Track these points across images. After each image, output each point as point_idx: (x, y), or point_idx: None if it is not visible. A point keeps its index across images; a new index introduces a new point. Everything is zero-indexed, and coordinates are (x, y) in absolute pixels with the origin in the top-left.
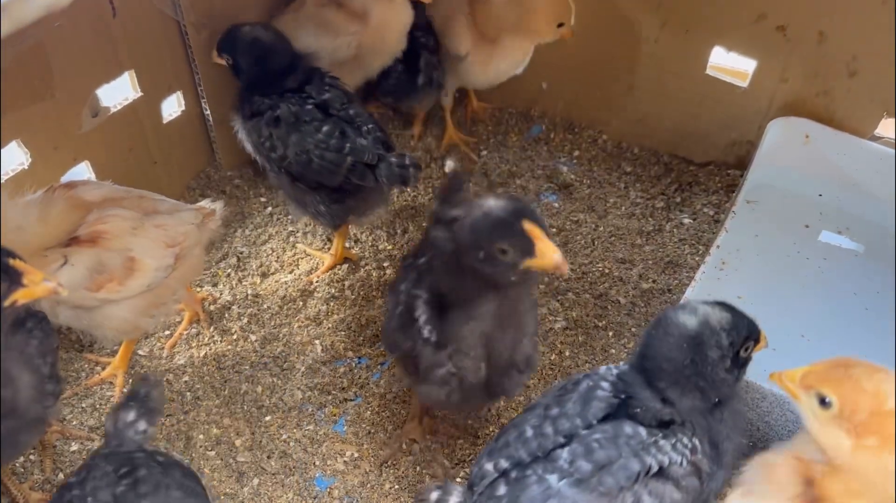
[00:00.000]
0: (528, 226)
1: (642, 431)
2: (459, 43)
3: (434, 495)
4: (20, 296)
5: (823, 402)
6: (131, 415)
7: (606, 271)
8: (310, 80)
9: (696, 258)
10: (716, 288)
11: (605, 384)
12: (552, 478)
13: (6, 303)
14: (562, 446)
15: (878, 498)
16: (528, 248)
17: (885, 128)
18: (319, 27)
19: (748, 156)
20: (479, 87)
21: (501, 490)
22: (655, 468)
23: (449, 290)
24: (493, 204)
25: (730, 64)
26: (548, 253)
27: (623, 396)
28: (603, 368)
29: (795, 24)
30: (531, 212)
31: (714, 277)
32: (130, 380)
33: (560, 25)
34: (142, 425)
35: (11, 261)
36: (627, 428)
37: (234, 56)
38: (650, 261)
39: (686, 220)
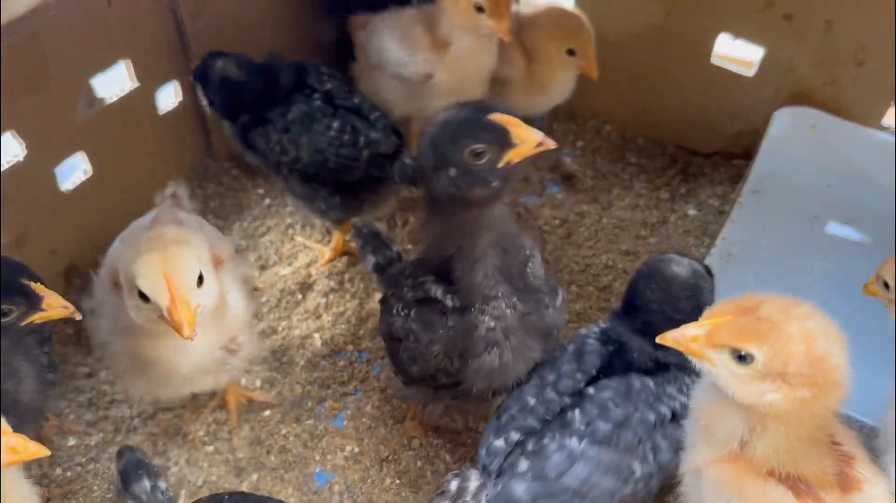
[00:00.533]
0: (496, 116)
1: (650, 383)
2: (511, 67)
3: (454, 484)
4: (37, 318)
5: (741, 358)
6: (146, 483)
7: (610, 263)
8: (305, 72)
9: (702, 250)
10: (721, 279)
11: (591, 340)
12: (572, 442)
13: (23, 323)
14: (571, 407)
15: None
16: (504, 139)
17: (893, 117)
18: (403, 38)
19: (754, 146)
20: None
21: (523, 465)
22: (669, 416)
23: (439, 249)
24: (449, 112)
25: (736, 53)
26: (527, 135)
27: (614, 346)
28: (583, 330)
29: (802, 12)
30: (494, 105)
31: (720, 269)
32: None
33: (571, 53)
34: (161, 484)
35: (33, 285)
36: (636, 381)
37: (211, 92)
38: (655, 253)
39: (691, 212)
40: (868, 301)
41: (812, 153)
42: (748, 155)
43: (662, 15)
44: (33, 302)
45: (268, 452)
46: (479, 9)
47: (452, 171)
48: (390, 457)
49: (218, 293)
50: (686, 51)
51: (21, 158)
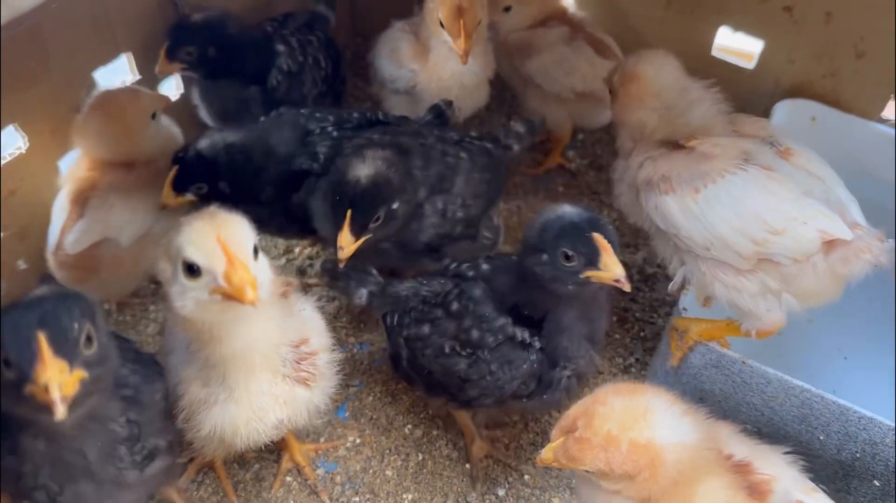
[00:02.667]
0: (598, 237)
1: None
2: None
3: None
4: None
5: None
6: None
7: None
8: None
9: None
10: None
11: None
12: None
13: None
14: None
15: None
16: (594, 259)
17: (893, 110)
18: (391, 53)
19: None
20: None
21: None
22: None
23: (529, 305)
24: (567, 209)
25: (736, 45)
26: (612, 265)
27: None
28: None
29: (802, 4)
30: (603, 225)
31: None
32: None
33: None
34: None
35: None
36: None
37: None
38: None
39: None
40: (867, 296)
41: (812, 145)
42: None
43: (662, 7)
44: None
45: (268, 444)
46: (442, 24)
47: (544, 257)
48: (392, 449)
49: (272, 279)
50: (686, 43)
51: (23, 151)
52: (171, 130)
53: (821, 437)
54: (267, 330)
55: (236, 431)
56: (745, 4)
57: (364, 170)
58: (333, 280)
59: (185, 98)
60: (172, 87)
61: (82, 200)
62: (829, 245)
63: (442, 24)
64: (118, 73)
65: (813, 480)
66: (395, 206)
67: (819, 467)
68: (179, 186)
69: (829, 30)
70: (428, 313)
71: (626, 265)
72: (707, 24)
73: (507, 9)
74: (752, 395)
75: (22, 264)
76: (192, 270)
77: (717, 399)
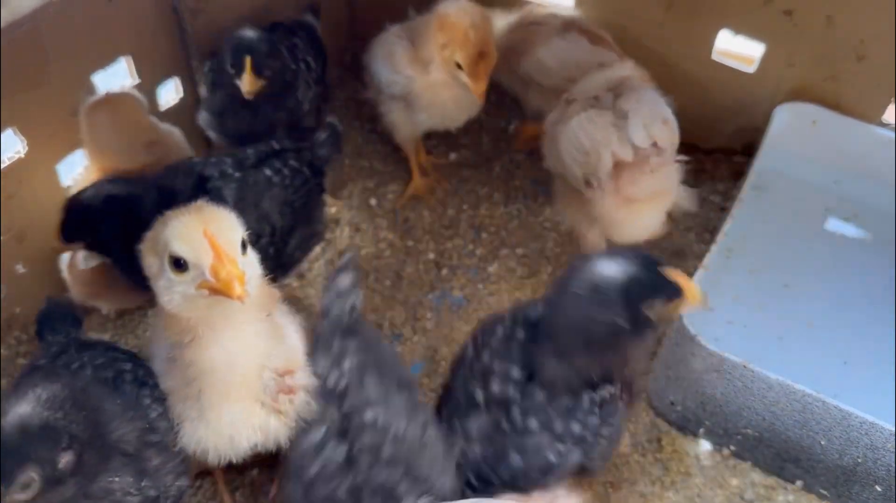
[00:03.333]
0: (666, 270)
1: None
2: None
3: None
4: None
5: None
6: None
7: None
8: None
9: (703, 246)
10: (723, 276)
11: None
12: None
13: None
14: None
15: None
16: (676, 293)
17: (893, 113)
18: (388, 57)
19: (755, 142)
20: None
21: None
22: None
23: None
24: (617, 264)
25: (736, 49)
26: (695, 291)
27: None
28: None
29: (803, 7)
30: (656, 257)
31: (721, 265)
32: None
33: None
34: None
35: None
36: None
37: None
38: (656, 250)
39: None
40: (868, 298)
41: (813, 149)
42: (749, 151)
43: (663, 11)
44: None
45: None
46: (459, 66)
47: (621, 320)
48: None
49: (259, 276)
50: (686, 47)
51: (22, 155)
52: (177, 138)
53: (822, 442)
54: (254, 345)
55: (206, 452)
56: (746, 8)
57: None
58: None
59: (185, 98)
60: (172, 91)
61: None
62: (618, 168)
63: (459, 65)
64: (117, 77)
65: (814, 485)
66: None
67: (820, 472)
68: (66, 236)
69: (830, 33)
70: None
71: None
72: (707, 27)
73: None
74: (753, 400)
75: (21, 268)
76: (178, 265)
77: (718, 403)
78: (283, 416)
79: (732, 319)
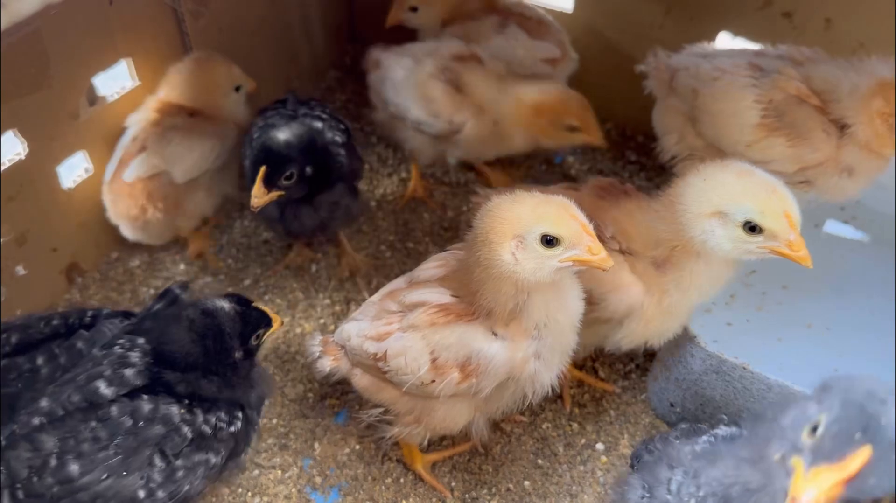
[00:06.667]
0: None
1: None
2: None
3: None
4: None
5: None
6: None
7: None
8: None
9: None
10: None
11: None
12: None
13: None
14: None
15: None
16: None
17: None
18: (424, 100)
19: None
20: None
21: None
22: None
23: None
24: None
25: None
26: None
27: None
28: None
29: (801, 10)
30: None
31: None
32: None
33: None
34: None
35: None
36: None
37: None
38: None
39: None
40: (867, 300)
41: None
42: None
43: (662, 13)
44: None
45: (267, 449)
46: (573, 128)
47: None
48: (390, 455)
49: None
50: None
51: (23, 157)
52: (242, 110)
53: None
54: (575, 304)
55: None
56: (745, 10)
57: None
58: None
59: None
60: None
61: (144, 136)
62: None
63: (574, 128)
64: (118, 79)
65: None
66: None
67: None
68: (272, 176)
69: (829, 36)
70: None
71: None
72: (707, 29)
73: (414, 9)
74: (752, 401)
75: (21, 270)
76: (549, 242)
77: (717, 405)
78: None
79: (731, 321)
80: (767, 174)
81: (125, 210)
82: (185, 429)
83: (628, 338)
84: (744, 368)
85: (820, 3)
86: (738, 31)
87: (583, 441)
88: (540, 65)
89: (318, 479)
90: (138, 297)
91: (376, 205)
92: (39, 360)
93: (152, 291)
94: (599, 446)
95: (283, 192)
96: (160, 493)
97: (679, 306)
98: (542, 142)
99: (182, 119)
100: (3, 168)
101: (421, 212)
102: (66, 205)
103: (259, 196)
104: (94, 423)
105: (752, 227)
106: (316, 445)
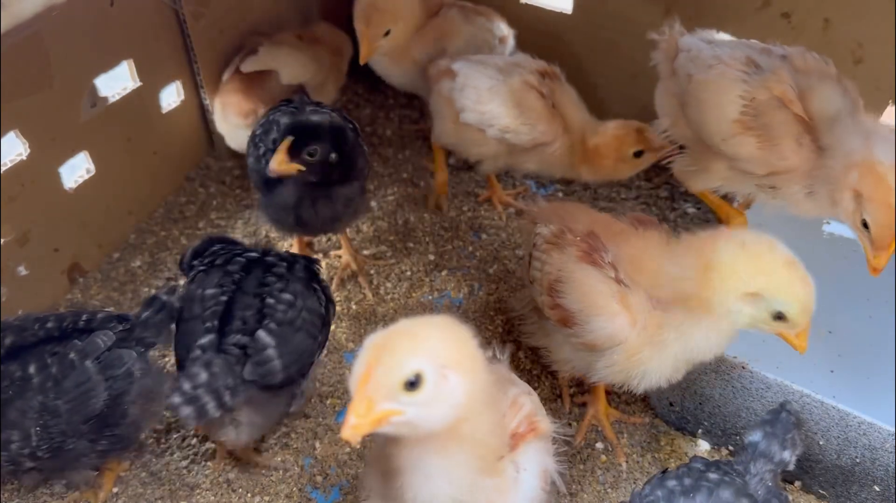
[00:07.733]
0: None
1: None
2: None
3: None
4: None
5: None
6: None
7: None
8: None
9: None
10: None
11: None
12: None
13: None
14: None
15: None
16: None
17: (892, 115)
18: (518, 108)
19: None
20: None
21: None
22: None
23: None
24: None
25: None
26: None
27: None
28: None
29: (800, 10)
30: None
31: None
32: None
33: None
34: None
35: None
36: None
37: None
38: None
39: (690, 210)
40: (869, 299)
41: None
42: None
43: (662, 14)
44: None
45: (269, 448)
46: (638, 154)
47: None
48: None
49: None
50: None
51: (24, 157)
52: (347, 47)
53: (820, 442)
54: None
55: None
56: (744, 11)
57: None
58: None
59: (187, 101)
60: (173, 94)
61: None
62: None
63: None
64: (119, 80)
65: (813, 485)
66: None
67: (818, 472)
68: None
69: (828, 36)
70: None
71: None
72: (706, 29)
73: (387, 33)
74: (751, 400)
75: (23, 270)
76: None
77: (716, 404)
78: None
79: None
80: (803, 266)
81: (237, 106)
82: None
83: (610, 368)
84: (742, 367)
85: (818, 3)
86: (736, 32)
87: (582, 441)
88: (499, 45)
89: (318, 478)
90: (140, 298)
91: (377, 205)
92: (31, 369)
93: (154, 291)
94: (599, 446)
95: (303, 168)
96: None
97: (670, 347)
98: (614, 177)
99: (291, 37)
100: (4, 168)
101: (421, 212)
102: (67, 205)
103: (279, 163)
104: None
105: (779, 316)
106: (317, 444)
